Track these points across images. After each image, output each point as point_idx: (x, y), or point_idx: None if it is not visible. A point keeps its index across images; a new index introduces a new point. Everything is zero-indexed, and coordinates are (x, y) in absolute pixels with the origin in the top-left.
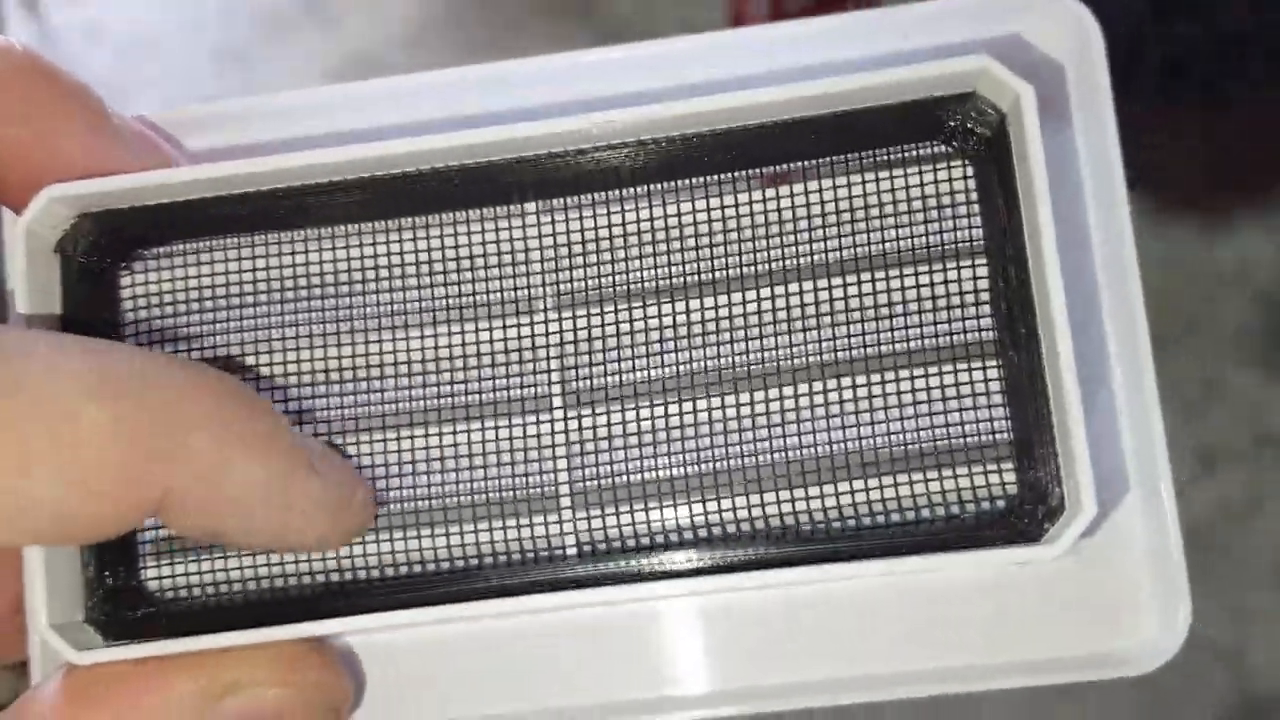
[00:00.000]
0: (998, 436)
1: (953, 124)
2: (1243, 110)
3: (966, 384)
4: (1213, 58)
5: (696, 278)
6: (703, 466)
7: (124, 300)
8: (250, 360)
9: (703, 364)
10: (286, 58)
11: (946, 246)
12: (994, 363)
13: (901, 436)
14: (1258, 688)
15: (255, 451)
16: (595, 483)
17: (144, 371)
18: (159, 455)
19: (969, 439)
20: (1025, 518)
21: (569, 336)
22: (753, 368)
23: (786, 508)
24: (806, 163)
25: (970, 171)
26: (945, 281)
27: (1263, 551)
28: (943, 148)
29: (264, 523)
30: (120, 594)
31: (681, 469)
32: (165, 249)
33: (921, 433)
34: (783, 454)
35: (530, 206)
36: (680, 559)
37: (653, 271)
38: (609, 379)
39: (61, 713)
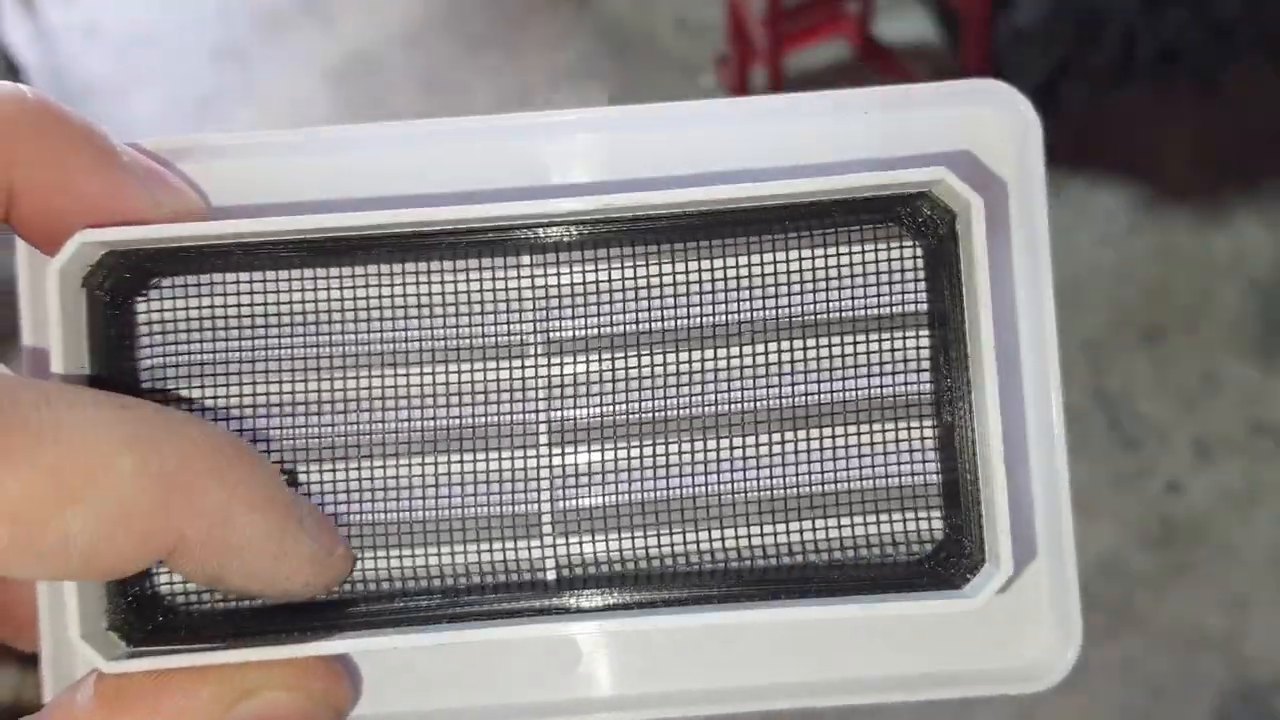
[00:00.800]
0: (929, 489)
1: (907, 217)
2: (1236, 98)
3: (905, 440)
4: (1206, 46)
5: (673, 333)
6: (670, 502)
7: (140, 324)
8: (260, 387)
9: (675, 410)
10: (285, 56)
11: (894, 316)
12: (929, 423)
13: (846, 484)
14: (1256, 676)
15: (257, 504)
16: (575, 512)
17: (166, 427)
18: (177, 502)
19: (904, 488)
20: (950, 566)
21: (555, 379)
22: (720, 416)
23: (744, 544)
24: (772, 235)
25: (919, 252)
26: (892, 349)
27: (1260, 541)
28: (896, 228)
29: (260, 569)
30: (139, 601)
31: (652, 504)
32: (180, 279)
33: (865, 481)
34: (743, 495)
35: (525, 260)
36: (641, 597)
37: (634, 325)
38: (590, 419)
39: (94, 715)
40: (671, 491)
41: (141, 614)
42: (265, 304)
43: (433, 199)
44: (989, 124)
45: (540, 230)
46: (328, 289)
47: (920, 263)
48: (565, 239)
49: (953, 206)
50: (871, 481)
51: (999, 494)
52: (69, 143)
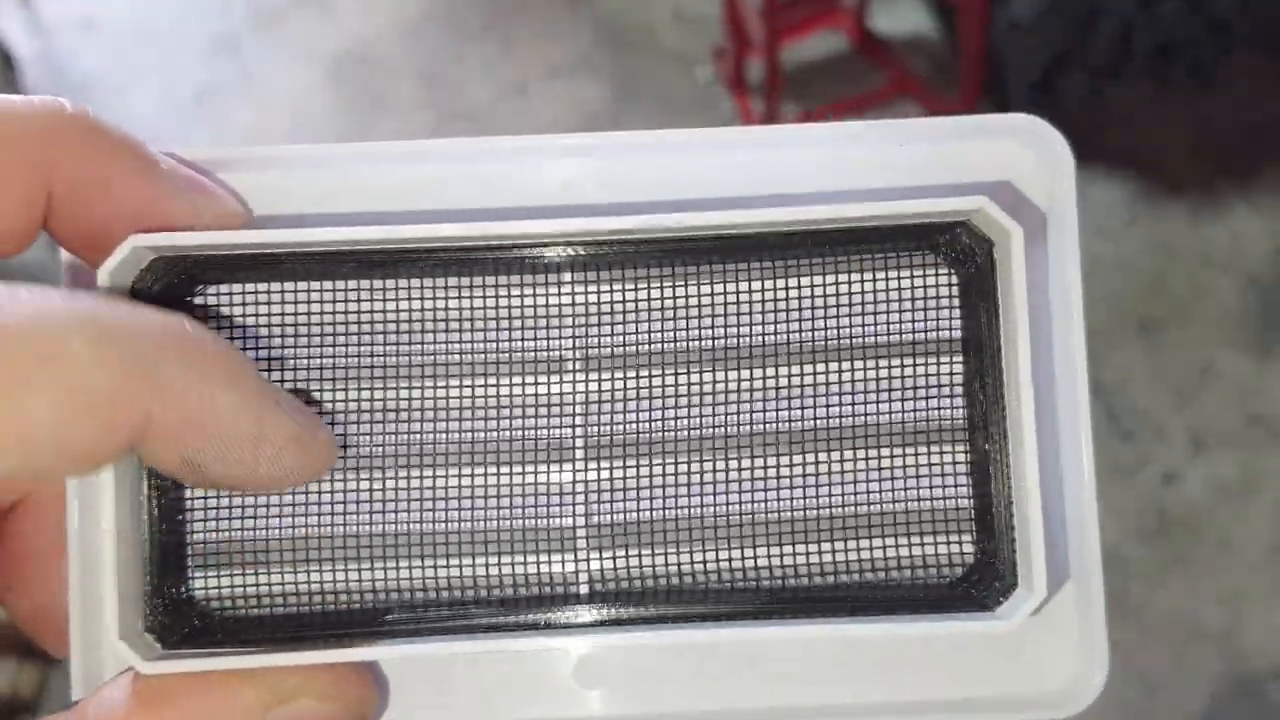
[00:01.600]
0: (961, 512)
1: (945, 245)
2: (1232, 92)
3: (937, 463)
4: (1202, 40)
5: (710, 353)
6: (704, 520)
7: None
8: (299, 395)
9: (710, 428)
10: (283, 50)
11: (929, 342)
12: (963, 448)
13: (879, 506)
14: (1252, 667)
15: (229, 383)
16: (609, 527)
17: (120, 310)
18: (140, 381)
19: (936, 511)
20: (982, 589)
21: (593, 395)
22: (754, 436)
23: (776, 563)
24: (811, 259)
25: (954, 279)
26: (925, 374)
27: (1256, 533)
28: (932, 256)
29: (238, 452)
30: (175, 604)
31: (686, 520)
32: (225, 287)
33: (897, 504)
34: (776, 514)
35: (566, 276)
36: (673, 611)
37: (670, 344)
38: (626, 434)
39: (131, 715)
40: (705, 509)
41: (177, 617)
42: (308, 314)
43: (476, 214)
44: (1024, 159)
45: (579, 249)
46: (370, 300)
47: (955, 289)
48: (604, 255)
49: (991, 236)
50: (904, 504)
51: (1034, 518)
52: (109, 150)
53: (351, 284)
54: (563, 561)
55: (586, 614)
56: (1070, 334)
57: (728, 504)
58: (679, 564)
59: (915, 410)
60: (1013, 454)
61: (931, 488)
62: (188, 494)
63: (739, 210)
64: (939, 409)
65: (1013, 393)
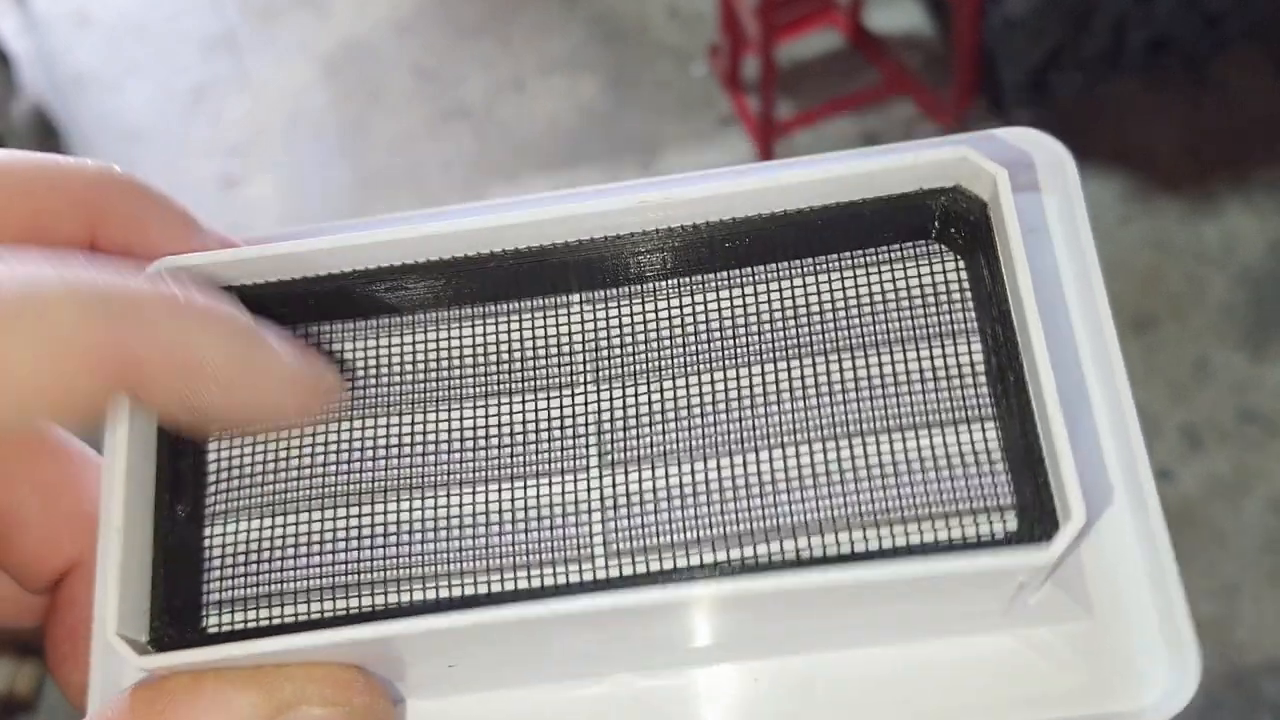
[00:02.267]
0: (1001, 500)
1: (939, 216)
2: (1226, 87)
3: (969, 449)
4: (1196, 35)
5: (720, 359)
6: (726, 529)
7: None
8: (326, 425)
9: (727, 434)
10: (278, 45)
11: (944, 329)
12: (992, 429)
13: (912, 499)
14: (1247, 661)
15: (212, 321)
16: (627, 541)
17: (110, 275)
18: (126, 327)
19: (974, 500)
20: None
21: (606, 412)
22: (771, 439)
23: (806, 556)
24: (817, 259)
25: (961, 264)
26: (944, 356)
27: (1249, 528)
28: (935, 245)
29: (237, 382)
30: (183, 617)
31: (707, 530)
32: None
33: (930, 495)
34: (802, 517)
35: (575, 297)
36: (701, 573)
37: (681, 353)
38: (641, 447)
39: None
40: (726, 517)
41: (185, 630)
42: (330, 349)
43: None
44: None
45: (585, 250)
46: (388, 335)
47: (964, 274)
48: (608, 265)
49: (980, 194)
50: (938, 495)
51: (1071, 484)
52: (149, 203)
53: (370, 322)
54: (579, 572)
55: (599, 575)
56: (1088, 282)
57: (750, 511)
58: (703, 561)
59: (939, 396)
60: (1039, 424)
61: (967, 476)
62: (206, 501)
63: (727, 180)
64: (963, 391)
65: (1030, 361)
